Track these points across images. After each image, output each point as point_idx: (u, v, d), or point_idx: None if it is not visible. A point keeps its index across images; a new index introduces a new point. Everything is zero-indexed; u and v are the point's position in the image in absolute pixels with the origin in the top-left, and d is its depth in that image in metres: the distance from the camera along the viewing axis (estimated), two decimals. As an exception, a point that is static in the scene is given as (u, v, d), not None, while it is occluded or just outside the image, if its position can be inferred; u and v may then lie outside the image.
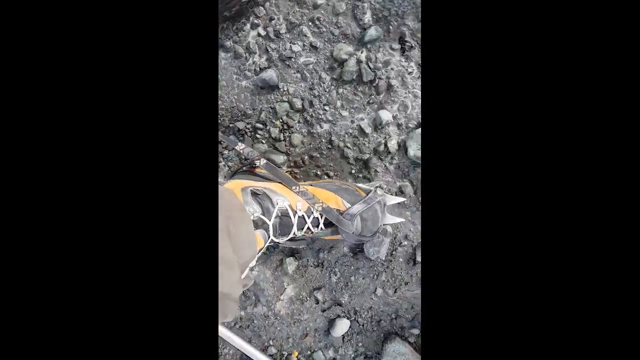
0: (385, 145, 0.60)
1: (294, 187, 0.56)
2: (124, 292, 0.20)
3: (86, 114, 0.19)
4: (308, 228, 0.57)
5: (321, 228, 0.57)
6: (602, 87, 0.21)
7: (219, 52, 0.67)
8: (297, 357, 0.81)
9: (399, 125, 0.60)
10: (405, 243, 0.67)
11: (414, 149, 0.58)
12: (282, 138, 0.65)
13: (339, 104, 0.61)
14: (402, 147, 0.60)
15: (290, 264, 0.73)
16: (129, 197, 0.20)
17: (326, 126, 0.63)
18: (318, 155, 0.65)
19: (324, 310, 0.74)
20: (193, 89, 0.21)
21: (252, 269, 0.72)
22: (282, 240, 0.56)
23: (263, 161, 0.55)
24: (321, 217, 0.56)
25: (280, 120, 0.65)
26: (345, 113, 0.61)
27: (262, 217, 0.51)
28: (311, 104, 0.62)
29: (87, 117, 0.19)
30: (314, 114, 0.63)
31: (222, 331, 0.78)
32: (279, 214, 0.52)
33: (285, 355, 0.81)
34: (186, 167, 0.21)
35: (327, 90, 0.61)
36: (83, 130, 0.19)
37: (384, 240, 0.65)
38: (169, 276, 0.21)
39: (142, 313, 0.21)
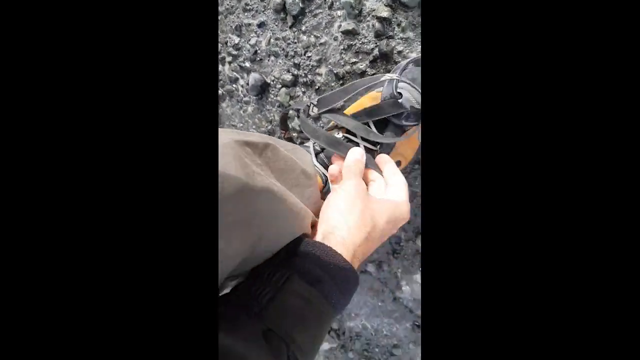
0: (379, 19, 0.47)
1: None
2: (119, 275, 0.19)
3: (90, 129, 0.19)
4: (364, 147, 0.44)
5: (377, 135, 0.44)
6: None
7: (220, 105, 0.72)
8: None
9: (368, -10, 0.47)
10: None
11: (401, -12, 0.43)
12: (305, 119, 0.60)
13: (312, 39, 0.54)
14: (394, 3, 0.46)
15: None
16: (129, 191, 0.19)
17: (322, 69, 0.55)
18: (341, 101, 0.55)
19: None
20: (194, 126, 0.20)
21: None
22: None
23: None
24: (369, 125, 0.44)
25: (289, 107, 0.61)
26: (324, 39, 0.53)
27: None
28: (297, 66, 0.57)
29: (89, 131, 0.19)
30: (305, 72, 0.57)
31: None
32: (319, 149, 0.45)
33: None
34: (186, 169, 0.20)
35: (296, 41, 0.56)
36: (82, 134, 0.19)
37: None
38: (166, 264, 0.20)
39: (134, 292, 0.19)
